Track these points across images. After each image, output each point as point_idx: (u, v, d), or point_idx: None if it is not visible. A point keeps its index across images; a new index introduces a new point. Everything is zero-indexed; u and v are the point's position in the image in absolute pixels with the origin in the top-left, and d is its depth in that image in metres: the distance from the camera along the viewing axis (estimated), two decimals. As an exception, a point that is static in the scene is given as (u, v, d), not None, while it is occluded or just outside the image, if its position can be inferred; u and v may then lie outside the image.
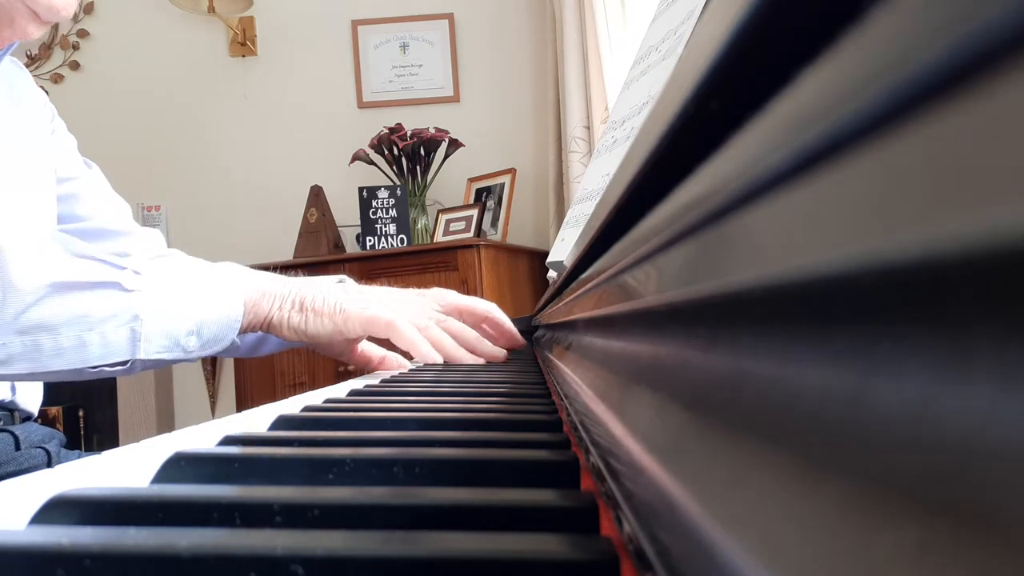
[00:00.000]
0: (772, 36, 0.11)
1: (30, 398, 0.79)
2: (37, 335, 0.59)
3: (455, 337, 0.78)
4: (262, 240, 2.44)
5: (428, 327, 0.76)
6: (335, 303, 0.73)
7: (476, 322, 0.85)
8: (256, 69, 2.57)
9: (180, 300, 0.66)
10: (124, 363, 0.64)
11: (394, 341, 0.73)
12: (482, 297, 0.94)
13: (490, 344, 0.82)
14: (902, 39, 0.07)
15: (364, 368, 0.83)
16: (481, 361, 0.79)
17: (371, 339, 0.79)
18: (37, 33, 0.73)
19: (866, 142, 0.08)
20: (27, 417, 0.79)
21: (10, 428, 0.72)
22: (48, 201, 0.81)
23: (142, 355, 0.63)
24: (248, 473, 0.24)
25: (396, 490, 0.21)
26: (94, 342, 0.61)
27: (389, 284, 0.87)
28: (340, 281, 0.88)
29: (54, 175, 0.83)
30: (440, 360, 0.74)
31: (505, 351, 0.83)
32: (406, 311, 0.76)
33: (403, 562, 0.16)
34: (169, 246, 0.96)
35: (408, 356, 0.79)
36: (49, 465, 0.70)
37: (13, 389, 0.75)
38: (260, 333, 0.86)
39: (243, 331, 0.71)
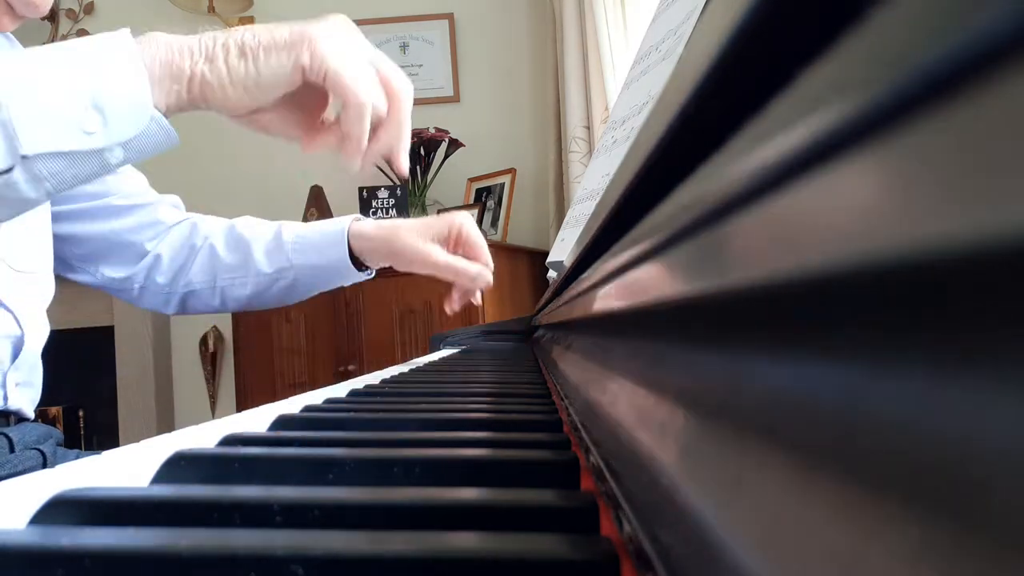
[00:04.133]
0: (772, 36, 0.11)
1: (24, 401, 0.78)
2: None
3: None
4: (262, 240, 2.44)
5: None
6: (289, 28, 0.53)
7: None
8: (256, 69, 2.56)
9: (61, 75, 0.48)
10: (8, 171, 0.46)
11: (335, 88, 0.53)
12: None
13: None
14: (902, 39, 0.07)
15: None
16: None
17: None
18: (12, 27, 0.70)
19: (866, 143, 0.08)
20: (22, 419, 0.78)
21: (3, 430, 0.72)
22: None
23: (26, 149, 0.46)
24: (248, 473, 0.24)
25: (396, 490, 0.21)
26: None
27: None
28: (357, 219, 0.87)
29: None
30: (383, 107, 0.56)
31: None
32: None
33: (403, 562, 0.16)
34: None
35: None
36: (44, 466, 0.70)
37: (5, 397, 0.75)
38: (283, 263, 0.84)
39: (170, 108, 0.53)
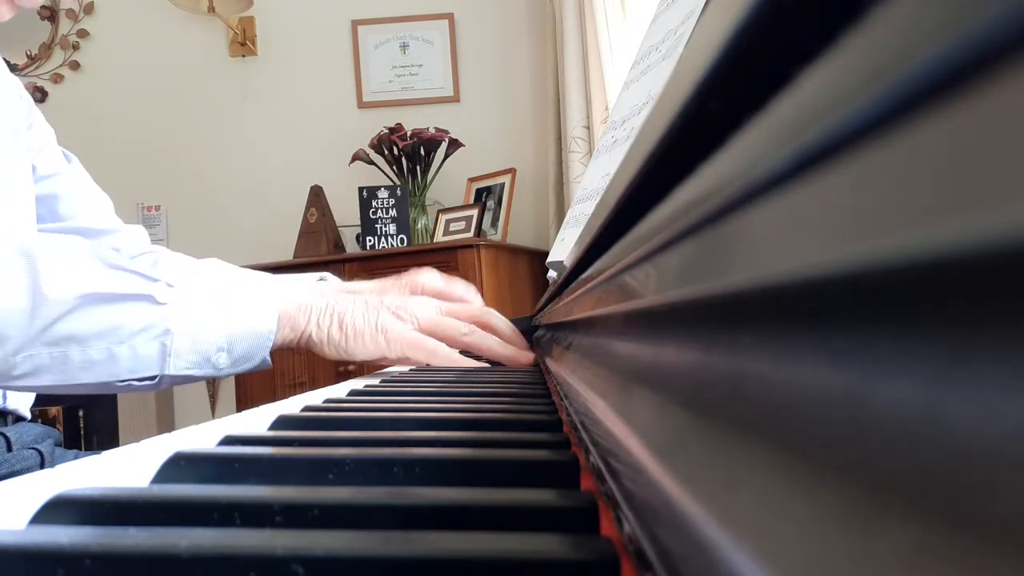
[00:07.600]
0: (772, 36, 0.11)
1: (21, 400, 0.78)
2: (66, 347, 0.58)
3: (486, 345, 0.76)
4: (262, 240, 2.44)
5: (472, 333, 0.75)
6: (376, 322, 0.70)
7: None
8: (256, 69, 2.57)
9: (212, 314, 0.64)
10: (152, 378, 0.63)
11: (434, 364, 0.72)
12: (483, 298, 0.92)
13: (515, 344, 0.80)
14: (903, 39, 0.07)
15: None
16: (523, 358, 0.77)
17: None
18: (8, 15, 0.72)
19: (866, 143, 0.08)
20: (20, 418, 0.78)
21: (1, 430, 0.72)
22: (26, 205, 0.78)
23: (171, 370, 0.62)
24: (248, 473, 0.24)
25: (396, 490, 0.21)
26: (124, 355, 0.60)
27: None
28: (321, 279, 0.87)
29: (31, 176, 0.80)
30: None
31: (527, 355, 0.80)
32: (442, 327, 0.74)
33: (403, 562, 0.16)
34: (169, 246, 0.95)
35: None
36: (42, 466, 0.70)
37: (3, 395, 0.75)
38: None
39: (277, 347, 0.69)
